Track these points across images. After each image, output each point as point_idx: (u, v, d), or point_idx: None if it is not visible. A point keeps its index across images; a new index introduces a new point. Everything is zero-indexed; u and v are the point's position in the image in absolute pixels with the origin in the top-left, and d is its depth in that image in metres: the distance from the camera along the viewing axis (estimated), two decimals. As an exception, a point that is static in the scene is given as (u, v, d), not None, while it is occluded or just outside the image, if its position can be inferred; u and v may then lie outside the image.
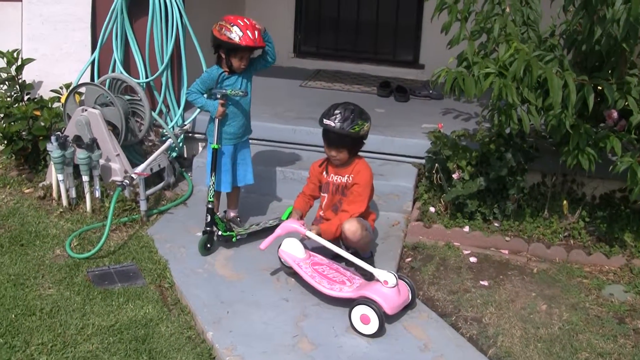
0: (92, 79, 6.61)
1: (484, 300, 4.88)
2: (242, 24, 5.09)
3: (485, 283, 5.10)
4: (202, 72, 6.11)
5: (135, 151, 6.50)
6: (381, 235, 5.62)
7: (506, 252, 5.55)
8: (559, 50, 5.43)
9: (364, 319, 4.38)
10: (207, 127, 5.44)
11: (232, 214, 5.65)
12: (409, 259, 5.39)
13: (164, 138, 6.54)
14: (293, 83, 8.23)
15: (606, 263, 5.45)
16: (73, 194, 5.86)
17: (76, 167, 5.81)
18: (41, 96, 6.70)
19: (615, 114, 5.22)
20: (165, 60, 6.45)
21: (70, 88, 6.31)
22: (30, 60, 6.62)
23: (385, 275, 4.47)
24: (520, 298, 4.95)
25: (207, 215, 5.21)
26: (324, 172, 5.20)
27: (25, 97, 6.67)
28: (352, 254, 4.79)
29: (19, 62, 6.57)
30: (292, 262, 4.83)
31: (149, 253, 5.25)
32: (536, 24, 5.58)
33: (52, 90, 6.59)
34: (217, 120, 5.25)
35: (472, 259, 5.41)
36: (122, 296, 4.73)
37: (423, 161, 6.18)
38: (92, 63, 6.63)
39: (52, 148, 5.67)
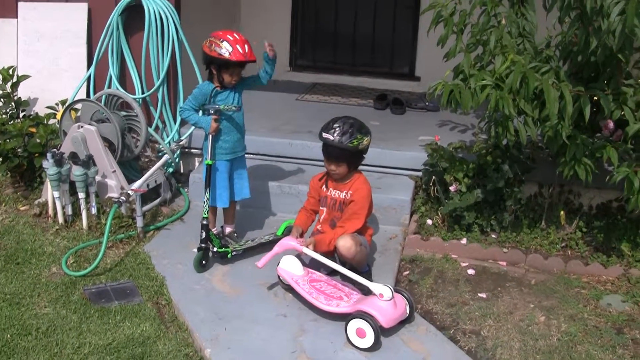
0: (88, 95, 6.61)
1: (483, 313, 4.86)
2: (232, 39, 5.10)
3: (484, 295, 5.09)
4: (197, 86, 6.16)
5: (131, 167, 6.49)
6: (379, 248, 5.61)
7: (504, 263, 5.54)
8: (555, 61, 5.43)
9: (360, 333, 4.37)
10: (203, 143, 5.42)
11: (228, 229, 5.63)
12: (407, 272, 5.38)
13: (160, 154, 6.53)
14: (289, 97, 8.23)
15: (604, 273, 5.44)
16: (69, 211, 5.84)
17: (72, 184, 5.78)
18: (37, 113, 6.68)
19: (611, 124, 5.23)
20: (161, 75, 6.45)
21: (66, 104, 6.31)
22: (25, 77, 6.61)
23: (380, 288, 4.46)
24: (518, 310, 4.93)
25: (201, 232, 5.19)
26: (324, 186, 5.20)
27: (21, 114, 6.64)
28: (349, 269, 4.78)
29: (15, 79, 6.56)
30: (290, 279, 4.82)
31: (146, 270, 5.23)
32: (532, 36, 5.60)
33: (47, 107, 6.57)
34: (211, 136, 5.24)
35: (470, 271, 5.39)
36: (119, 314, 4.70)
37: (420, 173, 6.18)
38: (88, 79, 6.63)
39: (48, 165, 5.66)
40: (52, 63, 6.80)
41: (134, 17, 6.49)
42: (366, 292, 4.69)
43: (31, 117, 6.59)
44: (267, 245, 5.44)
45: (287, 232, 5.48)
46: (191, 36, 6.59)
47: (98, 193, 5.91)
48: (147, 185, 5.97)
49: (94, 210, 5.84)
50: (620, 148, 5.18)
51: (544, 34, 5.64)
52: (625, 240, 5.63)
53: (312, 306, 4.69)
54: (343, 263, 4.95)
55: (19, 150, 6.31)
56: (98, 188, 5.90)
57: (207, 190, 5.27)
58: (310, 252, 4.84)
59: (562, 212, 5.75)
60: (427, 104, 7.75)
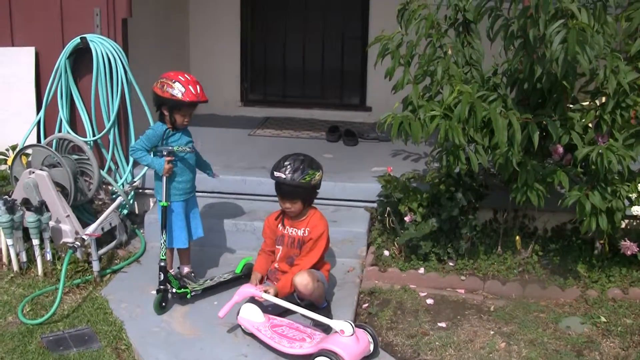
0: (38, 139, 6.55)
1: (443, 342, 4.87)
2: (184, 79, 5.10)
3: (443, 324, 5.10)
4: (150, 127, 6.13)
5: (85, 210, 6.43)
6: (337, 282, 5.60)
7: (462, 291, 5.57)
8: (502, 89, 5.51)
9: (325, 371, 4.37)
10: (155, 185, 5.40)
11: (186, 270, 5.60)
12: (366, 305, 5.38)
13: (114, 196, 6.48)
14: (241, 132, 8.23)
15: (561, 296, 5.49)
16: (23, 258, 5.76)
17: (25, 231, 5.71)
18: (-13, 159, 6.62)
19: (560, 149, 5.31)
20: (112, 117, 6.42)
21: (17, 150, 6.24)
22: (-26, 123, 6.55)
23: (341, 324, 4.46)
24: (478, 337, 4.95)
25: (160, 274, 5.15)
26: (280, 225, 5.20)
27: (-29, 162, 6.58)
28: (307, 305, 4.78)
29: (-36, 126, 6.50)
30: (251, 327, 4.79)
31: (104, 314, 5.15)
32: (479, 63, 5.67)
33: (-3, 153, 6.51)
34: (165, 178, 5.22)
35: (429, 301, 5.41)
36: (78, 361, 4.64)
37: (375, 205, 6.19)
38: (38, 123, 6.57)
39: (0, 212, 5.58)
40: (1, 108, 6.72)
41: (82, 60, 6.46)
42: (327, 329, 4.69)
43: (-19, 164, 6.53)
44: (227, 284, 5.44)
45: (246, 269, 5.48)
46: (140, 77, 6.57)
47: (52, 239, 5.85)
48: (102, 228, 5.92)
49: (49, 256, 5.76)
50: (570, 172, 5.25)
51: (491, 61, 5.71)
52: (581, 262, 5.69)
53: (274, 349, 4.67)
54: (301, 299, 4.95)
55: (-31, 198, 6.23)
56: (52, 233, 5.83)
57: (164, 232, 5.24)
58: (269, 297, 4.83)
59: (517, 237, 5.80)
60: (379, 134, 7.79)
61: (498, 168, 5.28)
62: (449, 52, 5.50)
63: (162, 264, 5.17)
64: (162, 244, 5.22)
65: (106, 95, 6.42)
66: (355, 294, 5.46)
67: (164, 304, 5.16)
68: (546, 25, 4.65)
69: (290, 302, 4.90)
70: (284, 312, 4.97)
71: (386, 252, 5.88)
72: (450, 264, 5.76)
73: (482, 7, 5.49)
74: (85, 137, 6.46)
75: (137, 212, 6.76)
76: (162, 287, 5.15)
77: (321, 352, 4.39)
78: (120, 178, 6.58)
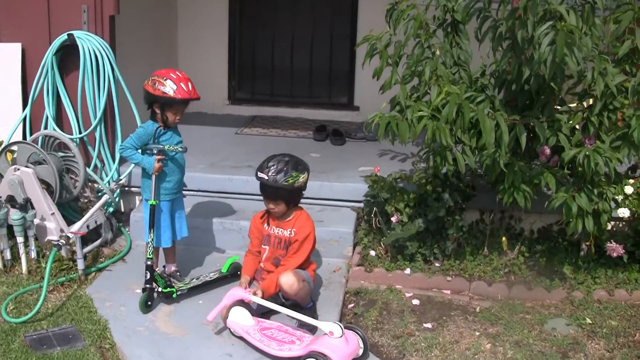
0: (24, 136, 6.51)
1: (429, 343, 4.87)
2: (175, 77, 5.08)
3: (429, 325, 5.10)
4: (136, 125, 6.13)
5: (71, 208, 6.39)
6: (323, 282, 5.59)
7: (448, 292, 5.57)
8: (490, 89, 5.51)
9: (315, 373, 4.37)
10: (142, 182, 5.38)
11: (172, 268, 5.58)
12: (352, 305, 5.37)
13: (99, 194, 6.45)
14: (229, 131, 8.20)
15: (547, 297, 5.51)
16: (8, 255, 5.72)
17: (10, 228, 5.68)
18: (-28, 156, 6.57)
19: (547, 151, 5.31)
20: (98, 114, 6.39)
21: (2, 147, 6.21)
22: (-41, 119, 6.51)
23: (330, 326, 4.45)
24: (464, 338, 4.95)
25: (146, 272, 5.14)
26: (265, 224, 5.19)
27: (-45, 158, 6.53)
28: (292, 304, 4.77)
29: (-52, 123, 6.46)
30: (241, 331, 4.76)
31: (88, 313, 5.13)
32: (467, 64, 5.68)
33: (-18, 150, 6.47)
34: (154, 177, 5.19)
35: (415, 302, 5.40)
36: (61, 360, 4.62)
37: (362, 205, 6.19)
38: (24, 120, 6.53)
39: (-16, 210, 5.56)
40: (-14, 104, 6.69)
41: (68, 56, 6.42)
42: (313, 329, 4.69)
43: (-34, 160, 6.48)
44: (213, 283, 5.43)
45: (233, 269, 5.47)
46: (128, 74, 6.55)
47: (37, 236, 5.82)
48: (87, 226, 5.90)
49: (33, 254, 5.73)
50: (557, 174, 5.26)
51: (479, 62, 5.71)
52: (567, 263, 5.70)
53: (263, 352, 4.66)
54: (286, 299, 4.95)
55: (-46, 195, 6.19)
56: (37, 231, 5.81)
57: (152, 231, 5.22)
58: (257, 300, 4.82)
59: (503, 238, 5.81)
60: (366, 134, 7.78)
61: (485, 169, 5.28)
62: (437, 52, 5.50)
63: (149, 262, 5.15)
64: (150, 243, 5.20)
65: (93, 93, 6.38)
66: (341, 294, 5.45)
67: (149, 302, 5.14)
68: (534, 27, 4.66)
69: (276, 301, 4.90)
70: (268, 312, 4.96)
71: (372, 252, 5.87)
72: (437, 264, 5.76)
73: (470, 8, 5.49)
74: (72, 135, 6.42)
75: (122, 210, 6.73)
76: (148, 285, 5.13)
77: (310, 354, 4.39)
78: (107, 176, 6.54)
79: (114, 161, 6.57)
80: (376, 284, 5.63)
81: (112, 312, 5.15)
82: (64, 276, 5.59)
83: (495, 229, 5.98)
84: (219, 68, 9.00)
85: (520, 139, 5.04)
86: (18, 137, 6.48)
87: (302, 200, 5.25)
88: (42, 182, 5.95)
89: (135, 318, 5.07)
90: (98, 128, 6.45)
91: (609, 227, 5.74)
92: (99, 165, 6.57)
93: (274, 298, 4.95)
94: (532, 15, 4.65)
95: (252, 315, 4.83)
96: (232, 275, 5.47)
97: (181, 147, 5.26)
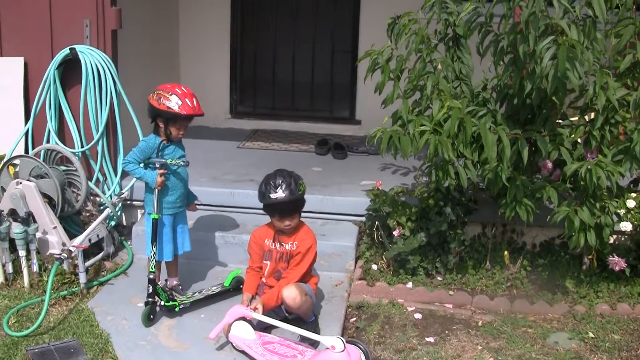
0: (26, 149, 6.52)
1: (431, 358, 4.86)
2: (180, 92, 5.09)
3: (431, 339, 5.09)
4: (138, 139, 6.13)
5: (72, 222, 6.40)
6: (325, 296, 5.59)
7: (450, 306, 5.56)
8: (492, 104, 5.51)
9: (317, 388, 4.35)
10: (145, 196, 5.38)
11: (174, 282, 5.58)
12: (354, 319, 5.36)
13: (101, 207, 6.45)
14: (230, 145, 8.21)
15: (549, 311, 5.50)
16: (10, 269, 5.72)
17: (12, 242, 5.68)
18: (-26, 170, 6.57)
19: (549, 165, 5.33)
20: (100, 128, 6.40)
21: (4, 160, 6.21)
22: (-39, 133, 6.52)
23: (331, 340, 4.43)
24: (466, 352, 4.95)
25: (148, 286, 5.14)
26: (267, 240, 5.18)
27: (-43, 172, 6.53)
28: (295, 318, 4.77)
29: (-50, 136, 6.47)
30: (243, 345, 4.75)
31: (90, 327, 5.12)
32: (468, 78, 5.68)
33: (-16, 164, 6.47)
34: (156, 190, 5.20)
35: (417, 315, 5.40)
36: (63, 374, 4.61)
37: (363, 219, 6.19)
38: (26, 134, 6.54)
39: (-13, 224, 5.56)
40: (-12, 118, 6.70)
41: (71, 71, 6.44)
42: (315, 343, 4.69)
43: (-32, 174, 6.48)
44: (215, 297, 5.42)
45: (235, 282, 5.47)
46: (129, 88, 6.56)
47: (39, 250, 5.82)
48: (89, 240, 5.89)
49: (35, 268, 5.73)
50: (559, 188, 5.26)
51: (481, 76, 5.73)
52: (569, 277, 5.70)
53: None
54: (289, 313, 4.95)
55: (-44, 208, 6.19)
56: (39, 245, 5.80)
57: (154, 245, 5.22)
58: (259, 317, 4.81)
59: (506, 252, 5.81)
60: (368, 147, 7.77)
61: (487, 183, 5.28)
62: (439, 66, 5.50)
63: (152, 276, 5.15)
64: (152, 257, 5.20)
65: (95, 107, 6.40)
66: (343, 308, 5.44)
67: (152, 316, 5.14)
68: (536, 42, 4.67)
69: (278, 315, 4.90)
70: (270, 327, 4.95)
71: (374, 266, 5.87)
72: (439, 278, 5.75)
73: (472, 22, 5.50)
74: (74, 148, 6.43)
75: (124, 223, 6.73)
76: (150, 299, 5.13)
77: (314, 369, 4.39)
78: (108, 189, 6.54)
79: (116, 175, 6.57)
80: (378, 297, 5.62)
81: (114, 326, 5.13)
82: (65, 290, 5.58)
83: (497, 242, 5.98)
84: (221, 82, 9.02)
85: (522, 153, 5.05)
86: (20, 150, 6.49)
87: (304, 214, 5.27)
88: (44, 195, 5.95)
89: (137, 332, 5.06)
90: (100, 142, 6.45)
91: (611, 241, 5.74)
92: (101, 179, 6.57)
93: (276, 312, 4.94)
94: (534, 30, 4.66)
95: (254, 329, 4.82)
96: (235, 289, 5.46)
97: (183, 161, 5.26)
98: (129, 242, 6.39)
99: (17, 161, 6.18)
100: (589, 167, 4.88)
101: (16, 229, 5.58)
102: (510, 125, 5.22)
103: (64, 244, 5.82)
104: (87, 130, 6.48)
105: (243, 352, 4.77)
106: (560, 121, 5.36)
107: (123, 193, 6.48)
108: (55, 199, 6.00)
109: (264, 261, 5.20)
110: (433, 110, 5.19)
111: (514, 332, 5.21)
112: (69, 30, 6.43)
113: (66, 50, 6.34)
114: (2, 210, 5.70)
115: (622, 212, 5.41)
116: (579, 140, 5.28)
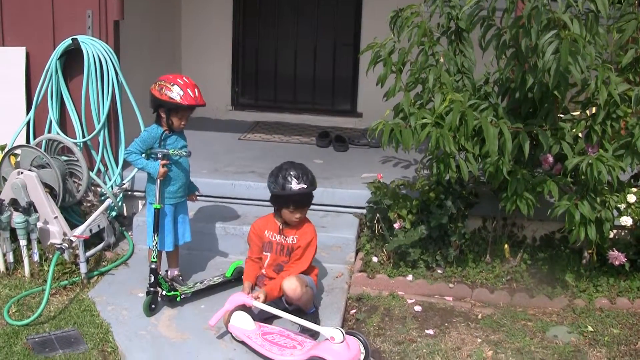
0: (27, 139, 6.52)
1: (430, 350, 4.87)
2: (182, 82, 5.09)
3: (431, 332, 5.10)
4: (140, 129, 6.14)
5: (73, 212, 6.40)
6: (325, 287, 5.60)
7: (450, 299, 5.57)
8: (494, 97, 5.52)
9: (316, 378, 4.36)
10: (146, 186, 5.39)
11: (175, 273, 5.59)
12: (354, 311, 5.38)
13: (102, 198, 6.46)
14: (232, 136, 8.22)
15: (549, 304, 5.52)
16: (10, 258, 5.73)
17: (13, 231, 5.68)
18: (-25, 159, 6.58)
19: (550, 159, 5.33)
20: (102, 119, 6.40)
21: (5, 150, 6.22)
22: (-38, 122, 6.52)
23: (331, 331, 4.45)
24: (466, 345, 4.96)
25: (150, 276, 5.15)
26: (267, 232, 5.19)
27: (-41, 161, 6.54)
28: (295, 310, 4.78)
29: (-49, 125, 6.46)
30: (242, 335, 4.77)
31: (90, 317, 5.13)
32: (470, 72, 5.69)
33: (-15, 153, 6.48)
34: (158, 181, 5.21)
35: (417, 308, 5.41)
36: (63, 364, 4.62)
37: (364, 211, 6.20)
38: (28, 123, 6.54)
39: (-12, 213, 5.57)
40: (-11, 108, 6.70)
41: (73, 61, 6.44)
42: (315, 335, 4.69)
43: (-31, 163, 6.49)
44: (216, 288, 5.44)
45: (237, 273, 5.48)
46: (131, 79, 6.56)
47: (40, 239, 5.82)
48: (90, 230, 5.90)
49: (36, 257, 5.74)
50: (560, 182, 5.27)
51: (483, 69, 5.73)
52: (569, 271, 5.70)
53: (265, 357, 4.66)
54: (289, 304, 4.96)
55: (-43, 197, 6.20)
56: (40, 234, 5.81)
57: (156, 235, 5.23)
58: (260, 305, 4.82)
59: (506, 246, 5.82)
60: (369, 140, 7.78)
61: (488, 176, 5.28)
62: (441, 60, 5.51)
63: (153, 266, 5.16)
64: (154, 246, 5.21)
65: (96, 97, 6.40)
66: (343, 300, 5.45)
67: (153, 306, 5.15)
68: (538, 36, 4.66)
69: (278, 306, 4.91)
70: (271, 317, 4.96)
71: (375, 259, 5.88)
72: (439, 271, 5.76)
73: (474, 16, 5.50)
74: (75, 139, 6.44)
75: (125, 214, 6.74)
76: (152, 289, 5.14)
77: (312, 359, 4.39)
78: (110, 180, 6.55)
79: (117, 165, 6.58)
80: (378, 290, 5.63)
81: (115, 316, 5.15)
82: (66, 279, 5.59)
83: (498, 236, 5.98)
84: (223, 73, 9.03)
85: (523, 147, 5.05)
86: (21, 140, 6.49)
87: (305, 207, 5.28)
88: (46, 185, 5.96)
89: (137, 322, 5.07)
90: (101, 132, 6.46)
91: (611, 235, 5.73)
92: (102, 169, 6.58)
93: (277, 303, 4.96)
94: (536, 24, 4.65)
95: (254, 320, 4.83)
96: (236, 279, 5.47)
97: (185, 151, 5.27)
98: (129, 233, 6.40)
99: (18, 151, 6.18)
100: (590, 161, 4.88)
101: (17, 218, 5.58)
102: (512, 119, 5.22)
103: (64, 234, 5.83)
104: (88, 121, 6.48)
105: (243, 342, 4.79)
106: (561, 115, 5.36)
107: (124, 184, 6.49)
108: (57, 189, 6.00)
109: (264, 252, 5.21)
110: (435, 103, 5.20)
111: (513, 325, 5.22)
112: (71, 20, 6.43)
113: (68, 41, 6.34)
114: (4, 200, 5.70)
115: (622, 206, 5.42)
116: (580, 134, 5.29)
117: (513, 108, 5.46)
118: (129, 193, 6.67)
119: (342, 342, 4.42)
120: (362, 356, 4.61)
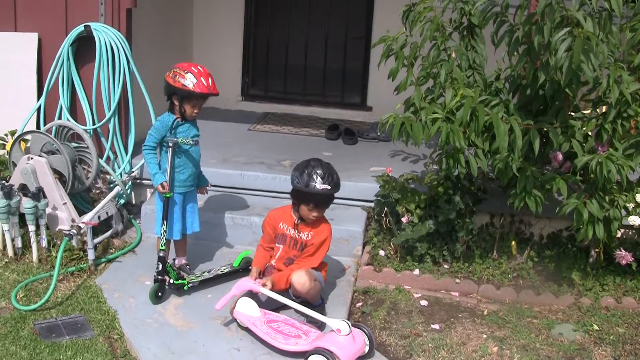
0: (38, 125, 6.54)
1: (436, 344, 4.88)
2: (196, 71, 5.10)
3: (437, 326, 5.11)
4: (150, 118, 6.15)
5: (82, 198, 6.42)
6: (332, 280, 5.60)
7: (456, 294, 5.58)
8: (505, 94, 5.51)
9: (320, 369, 4.37)
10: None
11: (182, 261, 5.60)
12: (360, 304, 5.38)
13: (111, 185, 6.47)
14: (241, 127, 8.23)
15: (555, 302, 5.52)
16: (19, 243, 5.75)
17: (22, 216, 5.71)
18: (-15, 144, 6.61)
19: (560, 157, 5.33)
20: (113, 106, 6.41)
21: (16, 136, 6.23)
22: (-27, 107, 6.54)
23: (337, 323, 4.46)
24: (471, 340, 4.96)
25: (158, 264, 5.16)
26: (282, 224, 5.19)
27: (-31, 145, 6.57)
28: (301, 302, 4.78)
29: (-37, 110, 6.48)
30: (247, 322, 4.78)
31: (97, 303, 5.15)
32: (482, 68, 5.68)
33: (-4, 138, 6.50)
34: (169, 169, 5.21)
35: (423, 302, 5.42)
36: (70, 349, 4.62)
37: (372, 204, 6.20)
38: (38, 109, 6.55)
39: (-3, 197, 5.59)
40: (0, 94, 6.70)
41: (84, 48, 6.45)
42: (322, 326, 4.70)
43: (-20, 148, 6.51)
44: (223, 277, 5.45)
45: (244, 263, 5.49)
46: (142, 67, 6.57)
47: (48, 225, 5.84)
48: (99, 217, 5.91)
49: (44, 243, 5.76)
50: (569, 180, 5.26)
51: (494, 66, 5.72)
52: (576, 269, 5.71)
53: (269, 345, 4.66)
54: (296, 297, 4.96)
55: (-33, 182, 6.22)
56: (48, 220, 5.82)
57: (164, 223, 5.24)
58: (266, 292, 4.83)
59: (513, 242, 5.82)
60: (379, 134, 7.79)
61: (497, 173, 5.28)
62: (453, 55, 5.51)
63: (161, 254, 5.17)
64: (163, 235, 5.22)
65: (108, 84, 6.41)
66: (349, 293, 5.46)
67: (160, 294, 5.17)
68: (551, 33, 4.66)
69: (285, 298, 4.91)
70: (279, 308, 4.97)
71: (382, 252, 5.89)
72: (446, 266, 5.77)
73: (487, 12, 5.50)
74: (85, 126, 6.45)
75: (133, 202, 6.76)
76: (159, 277, 5.15)
77: (316, 350, 4.39)
78: (119, 167, 6.56)
79: (126, 153, 6.59)
80: (385, 283, 5.64)
81: (121, 303, 5.16)
82: (74, 266, 5.61)
83: (505, 232, 5.99)
84: (233, 64, 9.03)
85: (533, 144, 5.05)
86: (32, 126, 6.51)
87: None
88: (55, 171, 5.97)
89: (144, 310, 5.08)
90: (112, 120, 6.47)
91: (619, 235, 5.75)
92: (111, 156, 6.59)
93: (283, 294, 4.95)
94: (550, 21, 4.65)
95: (261, 308, 4.84)
96: (244, 269, 5.47)
97: (193, 140, 5.27)
98: (137, 221, 6.41)
99: (28, 137, 6.19)
100: (599, 160, 4.88)
101: (26, 204, 5.60)
102: (522, 116, 5.22)
103: (73, 220, 5.84)
104: (99, 108, 6.49)
105: (248, 329, 4.80)
106: (572, 113, 5.36)
107: (133, 172, 6.51)
108: (66, 175, 6.02)
109: (277, 244, 5.21)
110: (446, 98, 5.19)
111: (519, 322, 5.23)
112: (83, 7, 6.44)
113: (80, 28, 6.36)
114: (13, 185, 5.72)
115: (630, 206, 5.41)
116: (590, 133, 5.29)
117: (524, 105, 5.46)
118: (138, 181, 6.68)
119: (348, 334, 4.43)
120: (367, 349, 4.62)
